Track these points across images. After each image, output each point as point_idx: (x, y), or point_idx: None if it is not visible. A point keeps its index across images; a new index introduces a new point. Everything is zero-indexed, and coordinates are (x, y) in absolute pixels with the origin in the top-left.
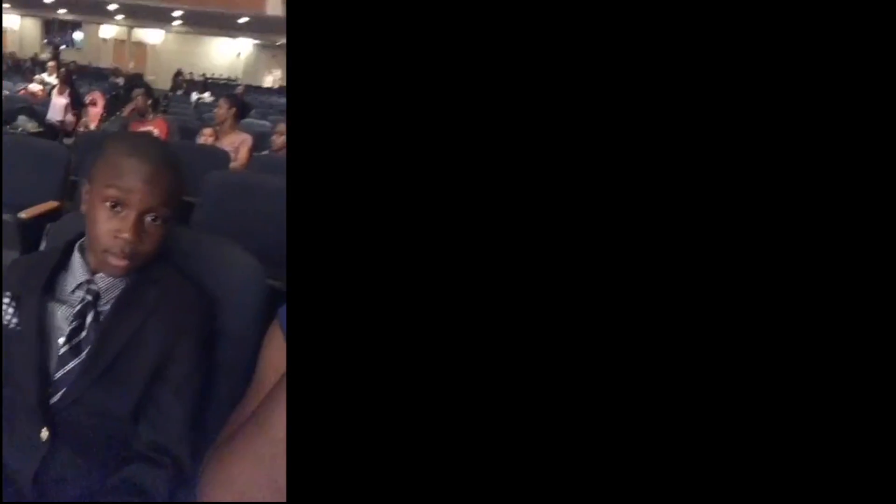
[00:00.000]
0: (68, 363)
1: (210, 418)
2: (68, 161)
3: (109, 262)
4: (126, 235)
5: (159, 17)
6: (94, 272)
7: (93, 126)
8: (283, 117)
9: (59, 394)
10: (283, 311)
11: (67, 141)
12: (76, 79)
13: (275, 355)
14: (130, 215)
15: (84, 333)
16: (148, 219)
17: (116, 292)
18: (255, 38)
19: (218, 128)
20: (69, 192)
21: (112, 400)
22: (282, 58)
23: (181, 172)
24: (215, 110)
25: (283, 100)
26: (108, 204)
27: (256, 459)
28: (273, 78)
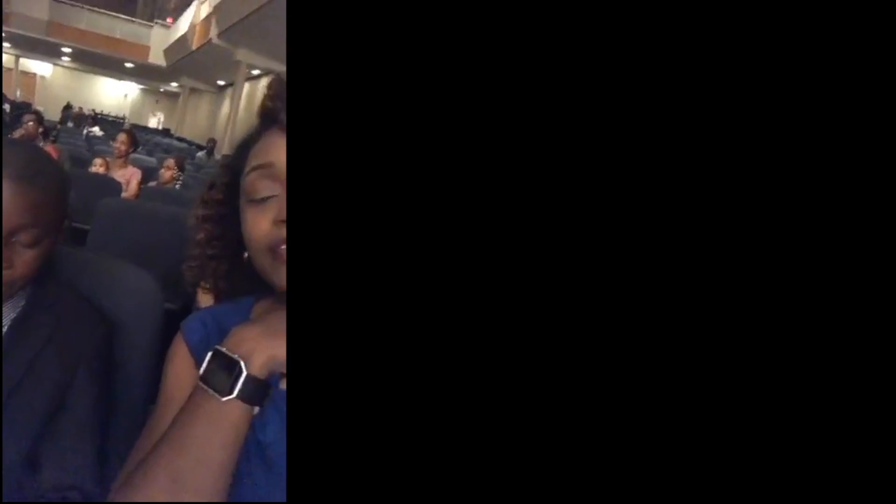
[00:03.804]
0: None
1: (112, 447)
2: None
3: None
4: None
5: (48, 51)
6: None
7: None
8: (167, 155)
9: None
10: (185, 324)
11: None
12: None
13: (180, 370)
14: None
15: None
16: (14, 242)
17: (7, 321)
18: (140, 83)
19: (109, 159)
20: None
21: (4, 445)
22: (164, 102)
23: (56, 185)
24: (115, 144)
25: (167, 140)
26: None
27: (174, 480)
28: (157, 119)
